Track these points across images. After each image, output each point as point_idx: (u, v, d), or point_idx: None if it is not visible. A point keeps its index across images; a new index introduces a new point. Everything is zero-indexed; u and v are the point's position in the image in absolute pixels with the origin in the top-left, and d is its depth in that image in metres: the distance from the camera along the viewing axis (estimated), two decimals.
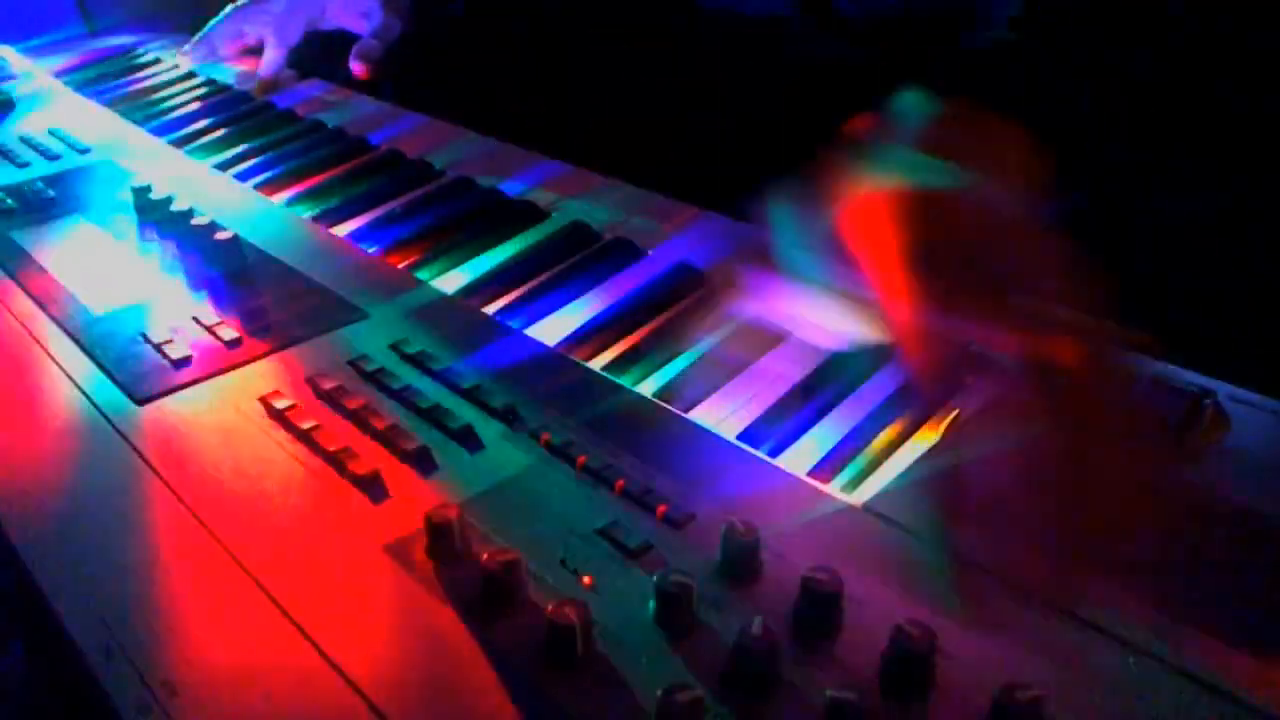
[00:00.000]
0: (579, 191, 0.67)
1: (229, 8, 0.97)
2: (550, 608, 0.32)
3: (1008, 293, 0.34)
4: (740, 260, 0.43)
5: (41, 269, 0.59)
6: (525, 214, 0.65)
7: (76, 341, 0.51)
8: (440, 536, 0.36)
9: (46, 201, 0.68)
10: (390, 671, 0.32)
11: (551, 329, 0.53)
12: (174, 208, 0.62)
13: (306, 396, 0.46)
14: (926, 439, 0.42)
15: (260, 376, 0.48)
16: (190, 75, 0.97)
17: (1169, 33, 0.48)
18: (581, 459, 0.40)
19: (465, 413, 0.44)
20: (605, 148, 0.73)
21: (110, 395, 0.47)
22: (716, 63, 0.86)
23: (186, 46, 0.99)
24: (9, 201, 0.68)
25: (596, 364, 0.49)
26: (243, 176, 0.73)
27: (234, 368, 0.48)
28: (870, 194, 0.37)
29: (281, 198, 0.69)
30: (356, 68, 0.93)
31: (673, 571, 0.33)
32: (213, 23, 0.97)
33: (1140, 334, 0.33)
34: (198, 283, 0.56)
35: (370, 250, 0.61)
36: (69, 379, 0.48)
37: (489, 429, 0.43)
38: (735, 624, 0.31)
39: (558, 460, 0.41)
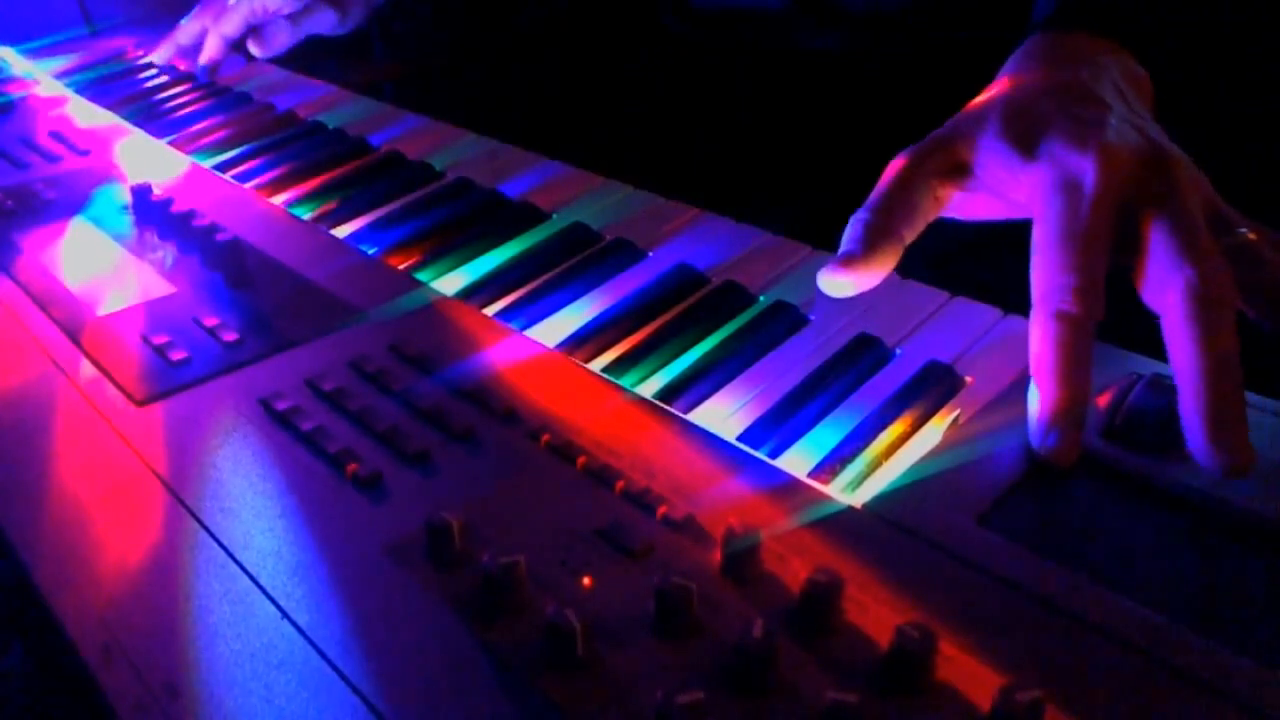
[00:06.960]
0: (579, 192, 0.67)
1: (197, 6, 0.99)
2: (550, 609, 0.32)
3: None
4: None
5: (42, 270, 0.59)
6: (525, 215, 0.65)
7: (76, 343, 0.51)
8: (440, 538, 0.36)
9: (47, 203, 0.68)
10: (390, 673, 0.32)
11: (552, 330, 0.53)
12: (174, 209, 0.62)
13: (307, 398, 0.46)
14: (927, 440, 0.42)
15: (260, 378, 0.48)
16: (190, 76, 0.97)
17: None
18: (581, 460, 0.40)
19: (465, 414, 0.44)
20: (605, 148, 0.73)
21: (110, 396, 0.47)
22: (716, 63, 0.87)
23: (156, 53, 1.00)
24: (9, 203, 0.68)
25: (597, 365, 0.49)
26: (243, 178, 0.73)
27: (234, 369, 0.48)
28: None
29: (282, 199, 0.69)
30: (252, 46, 0.93)
31: (673, 573, 0.33)
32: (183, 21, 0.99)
33: None
34: (198, 284, 0.57)
35: (370, 252, 0.61)
36: (69, 380, 0.48)
37: (489, 430, 0.43)
38: (735, 625, 0.31)
39: (558, 461, 0.41)
